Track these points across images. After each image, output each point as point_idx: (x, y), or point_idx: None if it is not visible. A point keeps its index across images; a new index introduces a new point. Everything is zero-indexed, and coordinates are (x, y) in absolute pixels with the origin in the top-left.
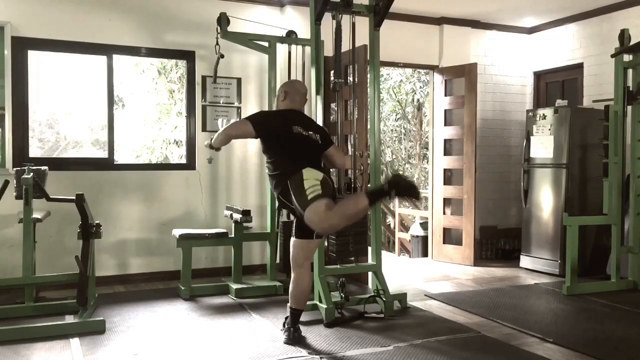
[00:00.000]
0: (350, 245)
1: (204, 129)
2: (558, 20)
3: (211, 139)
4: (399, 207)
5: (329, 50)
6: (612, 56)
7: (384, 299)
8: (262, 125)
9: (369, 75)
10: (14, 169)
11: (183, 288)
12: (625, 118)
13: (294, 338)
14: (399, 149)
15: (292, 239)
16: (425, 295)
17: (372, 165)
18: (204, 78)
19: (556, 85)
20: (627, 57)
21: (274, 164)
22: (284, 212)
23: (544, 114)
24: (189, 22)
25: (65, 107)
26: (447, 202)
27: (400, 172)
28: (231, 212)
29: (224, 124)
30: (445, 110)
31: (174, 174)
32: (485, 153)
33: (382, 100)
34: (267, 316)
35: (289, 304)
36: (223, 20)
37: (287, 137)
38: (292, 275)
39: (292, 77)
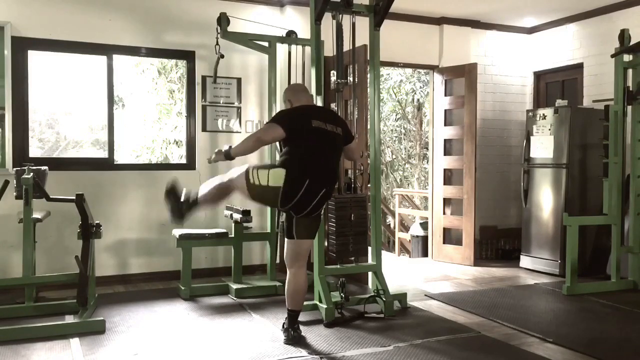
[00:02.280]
0: (350, 245)
1: (204, 129)
2: (558, 20)
3: (224, 150)
4: (399, 207)
5: (329, 50)
6: (612, 56)
7: (384, 299)
8: (288, 123)
9: (369, 75)
10: (14, 169)
11: (183, 288)
12: (625, 118)
13: (294, 338)
14: (399, 149)
15: (285, 239)
16: (425, 295)
17: (372, 165)
18: (204, 78)
19: (556, 85)
20: (627, 57)
21: (288, 158)
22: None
23: (544, 114)
24: (189, 22)
25: (65, 107)
26: (447, 202)
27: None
28: (231, 212)
29: (224, 125)
30: (445, 110)
31: (174, 174)
32: (485, 153)
33: (382, 100)
34: (267, 316)
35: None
36: (223, 20)
37: (307, 131)
38: (287, 275)
39: (292, 77)
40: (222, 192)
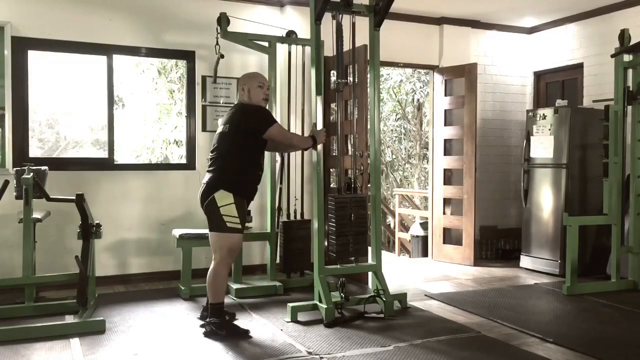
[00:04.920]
0: (350, 245)
1: (204, 129)
2: (558, 20)
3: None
4: (399, 207)
5: (329, 50)
6: (612, 56)
7: (384, 299)
8: None
9: (369, 75)
10: (14, 169)
11: (183, 288)
12: (625, 118)
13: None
14: (399, 149)
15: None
16: (425, 295)
17: (372, 165)
18: (204, 78)
19: (556, 85)
20: (627, 57)
21: None
22: (284, 212)
23: (544, 114)
24: (189, 22)
25: (65, 107)
26: (447, 202)
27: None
28: None
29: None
30: (445, 110)
31: (174, 174)
32: (485, 153)
33: (382, 100)
34: (267, 316)
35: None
36: (223, 20)
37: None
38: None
39: (292, 77)
40: (221, 275)
